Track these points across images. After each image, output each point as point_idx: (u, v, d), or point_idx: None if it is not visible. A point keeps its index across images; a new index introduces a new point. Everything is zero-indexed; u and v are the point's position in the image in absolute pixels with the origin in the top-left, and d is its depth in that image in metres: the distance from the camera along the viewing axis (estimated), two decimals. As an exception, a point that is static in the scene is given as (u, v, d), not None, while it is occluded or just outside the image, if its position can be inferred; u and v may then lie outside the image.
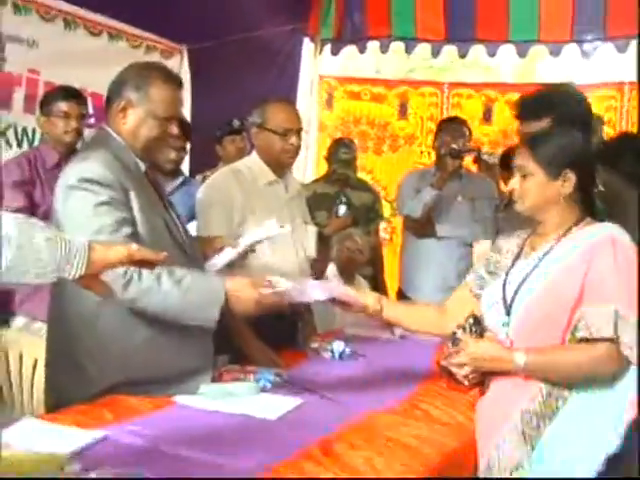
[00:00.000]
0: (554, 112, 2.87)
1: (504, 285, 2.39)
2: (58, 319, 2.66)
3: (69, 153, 3.88)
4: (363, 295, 2.77)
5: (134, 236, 2.47)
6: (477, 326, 2.35)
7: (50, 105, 3.90)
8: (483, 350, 2.31)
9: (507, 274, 2.42)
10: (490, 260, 2.57)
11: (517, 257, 2.45)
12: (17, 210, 3.55)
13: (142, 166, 2.66)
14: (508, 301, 2.36)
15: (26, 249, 1.62)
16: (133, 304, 2.47)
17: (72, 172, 2.53)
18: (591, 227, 2.35)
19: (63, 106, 3.88)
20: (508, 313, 2.35)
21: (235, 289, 2.52)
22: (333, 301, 2.71)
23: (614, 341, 2.18)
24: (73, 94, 3.96)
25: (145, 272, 2.41)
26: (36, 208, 3.77)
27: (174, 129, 2.70)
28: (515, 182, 2.40)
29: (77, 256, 1.71)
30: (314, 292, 2.68)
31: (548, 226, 2.39)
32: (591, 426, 2.23)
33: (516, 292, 2.34)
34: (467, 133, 4.80)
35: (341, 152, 5.32)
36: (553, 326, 2.27)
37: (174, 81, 2.73)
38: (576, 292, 2.23)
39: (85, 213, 2.45)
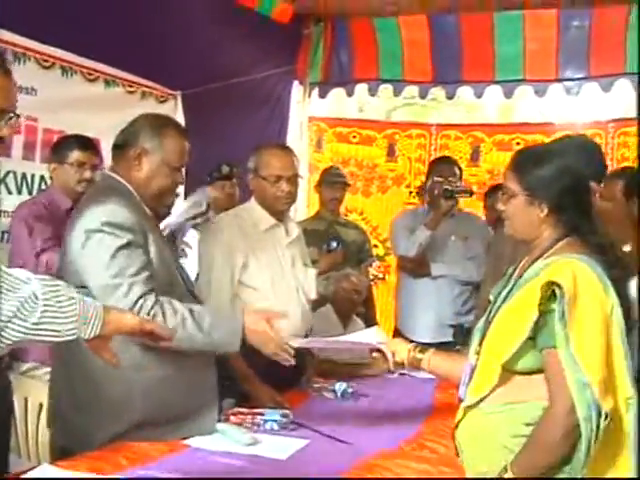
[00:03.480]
0: None
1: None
2: (63, 364, 2.65)
3: (79, 200, 3.89)
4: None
5: (151, 278, 2.52)
6: None
7: (65, 153, 3.83)
8: None
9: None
10: None
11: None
12: (47, 240, 3.58)
13: (149, 212, 2.72)
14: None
15: (52, 308, 1.69)
16: None
17: (92, 216, 2.54)
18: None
19: (79, 156, 3.82)
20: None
21: (251, 322, 2.66)
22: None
23: None
24: (89, 144, 3.92)
25: (169, 311, 2.50)
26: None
27: (181, 178, 2.77)
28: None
29: (94, 316, 1.78)
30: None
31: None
32: None
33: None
34: (458, 173, 4.80)
35: (333, 170, 5.46)
36: None
37: (185, 132, 2.83)
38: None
39: (105, 257, 2.48)
